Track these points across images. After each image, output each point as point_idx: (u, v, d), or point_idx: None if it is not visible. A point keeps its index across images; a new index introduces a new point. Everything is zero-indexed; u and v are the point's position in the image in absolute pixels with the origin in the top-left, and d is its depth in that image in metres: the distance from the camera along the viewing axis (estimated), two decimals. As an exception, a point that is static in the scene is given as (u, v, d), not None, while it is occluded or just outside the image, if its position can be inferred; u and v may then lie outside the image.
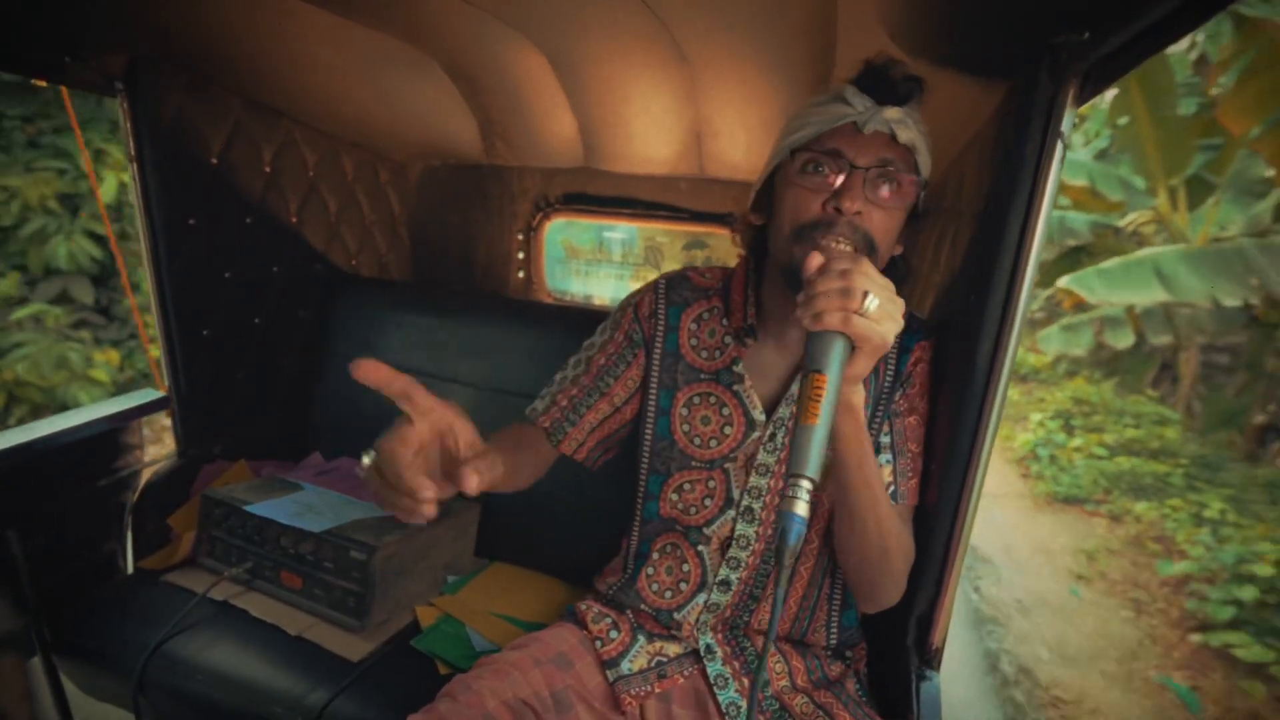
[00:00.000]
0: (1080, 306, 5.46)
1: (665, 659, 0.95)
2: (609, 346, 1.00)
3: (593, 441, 1.00)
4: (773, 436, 0.91)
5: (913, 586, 0.87)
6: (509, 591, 1.29)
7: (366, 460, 0.63)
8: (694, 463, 0.95)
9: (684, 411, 0.95)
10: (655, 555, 0.99)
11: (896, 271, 0.88)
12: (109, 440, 1.27)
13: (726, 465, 0.93)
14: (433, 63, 1.35)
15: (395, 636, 1.15)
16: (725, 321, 0.95)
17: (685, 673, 0.94)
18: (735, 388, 0.93)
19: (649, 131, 1.52)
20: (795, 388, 0.90)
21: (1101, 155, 6.54)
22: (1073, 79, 0.69)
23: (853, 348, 0.64)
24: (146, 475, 1.34)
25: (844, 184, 0.78)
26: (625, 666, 0.93)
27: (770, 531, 0.93)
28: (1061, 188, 4.60)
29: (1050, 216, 0.74)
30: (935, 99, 0.83)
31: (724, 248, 1.92)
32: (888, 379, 0.91)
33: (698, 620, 0.96)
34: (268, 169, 1.47)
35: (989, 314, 0.78)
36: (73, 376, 3.85)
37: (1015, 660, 2.81)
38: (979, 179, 0.94)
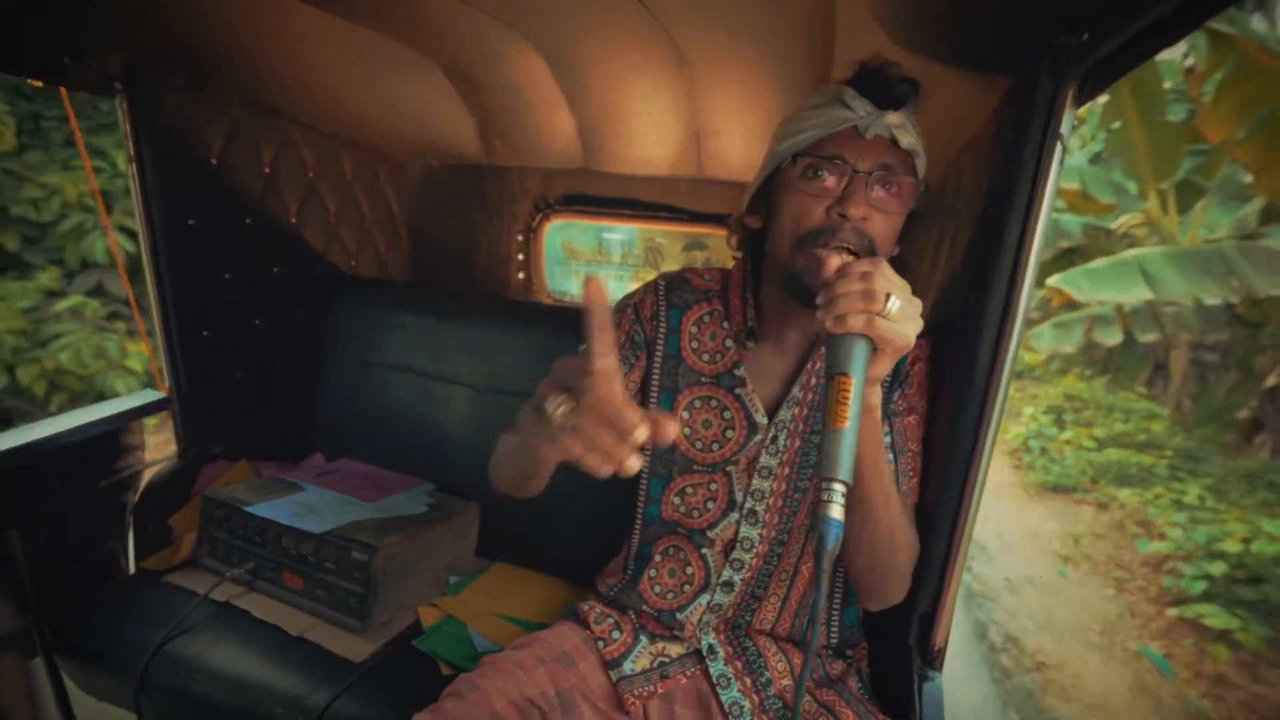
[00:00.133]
0: (1071, 305, 5.51)
1: (668, 659, 0.95)
2: None
3: None
4: (775, 439, 0.91)
5: (914, 585, 0.87)
6: (510, 592, 1.30)
7: (563, 409, 0.56)
8: (696, 466, 0.95)
9: (685, 415, 0.95)
10: (657, 557, 1.00)
11: None
12: (110, 441, 1.27)
13: (729, 469, 0.94)
14: (432, 63, 1.34)
15: (397, 637, 1.15)
16: (726, 325, 0.95)
17: (688, 673, 0.94)
18: (737, 391, 0.93)
19: (648, 132, 1.52)
20: (797, 390, 0.91)
21: (1096, 159, 6.59)
22: (1072, 80, 0.70)
23: (874, 349, 0.64)
24: (147, 476, 1.34)
25: (847, 189, 0.78)
26: (628, 667, 0.93)
27: (774, 533, 0.93)
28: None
29: (1050, 217, 0.75)
30: (934, 99, 0.83)
31: (724, 249, 1.88)
32: (887, 379, 0.91)
33: (700, 621, 0.96)
34: (267, 169, 1.47)
35: (989, 314, 0.78)
36: (110, 366, 3.97)
37: (1003, 630, 2.97)
38: (978, 179, 0.95)
